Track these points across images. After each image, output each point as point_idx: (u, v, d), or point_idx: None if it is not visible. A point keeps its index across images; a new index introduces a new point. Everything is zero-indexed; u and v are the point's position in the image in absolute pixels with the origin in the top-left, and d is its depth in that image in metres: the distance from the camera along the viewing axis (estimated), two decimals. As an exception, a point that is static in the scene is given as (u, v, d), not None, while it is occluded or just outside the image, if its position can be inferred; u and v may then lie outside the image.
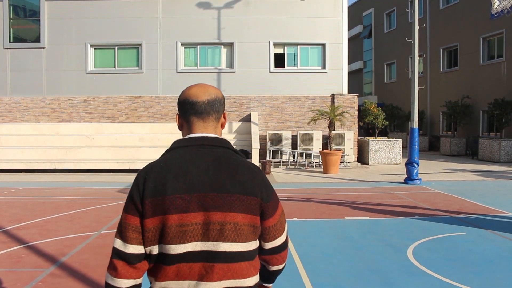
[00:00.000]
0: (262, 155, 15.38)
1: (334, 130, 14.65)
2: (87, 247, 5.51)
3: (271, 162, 14.87)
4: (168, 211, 1.40)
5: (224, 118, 1.63)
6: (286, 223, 1.62)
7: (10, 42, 16.36)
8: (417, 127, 11.56)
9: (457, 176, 12.98)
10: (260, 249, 1.56)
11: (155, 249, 1.44)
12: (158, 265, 1.45)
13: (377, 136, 17.21)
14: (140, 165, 13.44)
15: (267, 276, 1.71)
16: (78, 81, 16.28)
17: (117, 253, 1.44)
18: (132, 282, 1.45)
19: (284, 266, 1.69)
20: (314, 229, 6.51)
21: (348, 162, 15.51)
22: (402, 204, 8.52)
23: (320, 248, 5.50)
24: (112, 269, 1.44)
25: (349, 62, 28.33)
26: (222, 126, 1.64)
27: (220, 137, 1.58)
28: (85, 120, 16.18)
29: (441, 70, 23.96)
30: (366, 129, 25.56)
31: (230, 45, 16.30)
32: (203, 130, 1.56)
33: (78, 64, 16.26)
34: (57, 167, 13.66)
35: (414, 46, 11.80)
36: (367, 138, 16.89)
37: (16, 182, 11.66)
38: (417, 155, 11.44)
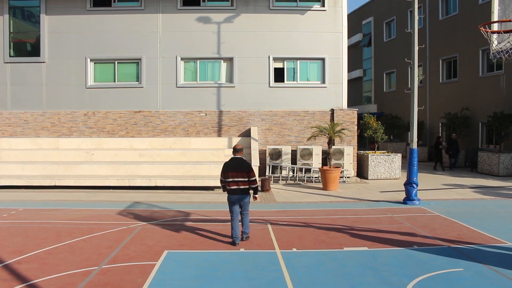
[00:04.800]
0: (262, 169, 15.41)
1: (333, 145, 14.69)
2: (87, 287, 5.54)
3: (271, 178, 14.91)
4: (229, 171, 7.61)
5: (242, 151, 7.87)
6: (255, 175, 7.76)
7: (10, 56, 16.43)
8: (416, 147, 11.58)
9: (456, 193, 13.02)
10: (248, 180, 7.65)
11: (225, 180, 7.69)
12: (227, 183, 7.65)
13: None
14: (140, 182, 13.49)
15: (253, 190, 7.78)
16: (78, 96, 16.34)
17: (220, 180, 7.91)
18: (223, 184, 7.92)
19: (256, 186, 7.72)
20: (313, 263, 6.54)
21: (348, 177, 15.55)
22: (400, 230, 8.55)
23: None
24: (220, 182, 7.95)
25: (349, 70, 28.41)
26: (241, 154, 7.83)
27: (241, 156, 7.79)
28: (85, 135, 16.23)
29: (440, 81, 24.00)
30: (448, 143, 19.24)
31: (230, 60, 16.36)
32: (236, 155, 7.76)
33: (78, 78, 16.32)
34: (57, 184, 13.68)
35: (413, 64, 11.84)
36: (367, 152, 16.93)
37: (17, 202, 11.68)
38: (416, 175, 11.47)
